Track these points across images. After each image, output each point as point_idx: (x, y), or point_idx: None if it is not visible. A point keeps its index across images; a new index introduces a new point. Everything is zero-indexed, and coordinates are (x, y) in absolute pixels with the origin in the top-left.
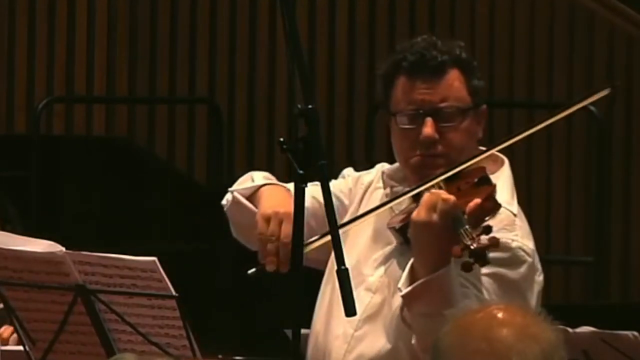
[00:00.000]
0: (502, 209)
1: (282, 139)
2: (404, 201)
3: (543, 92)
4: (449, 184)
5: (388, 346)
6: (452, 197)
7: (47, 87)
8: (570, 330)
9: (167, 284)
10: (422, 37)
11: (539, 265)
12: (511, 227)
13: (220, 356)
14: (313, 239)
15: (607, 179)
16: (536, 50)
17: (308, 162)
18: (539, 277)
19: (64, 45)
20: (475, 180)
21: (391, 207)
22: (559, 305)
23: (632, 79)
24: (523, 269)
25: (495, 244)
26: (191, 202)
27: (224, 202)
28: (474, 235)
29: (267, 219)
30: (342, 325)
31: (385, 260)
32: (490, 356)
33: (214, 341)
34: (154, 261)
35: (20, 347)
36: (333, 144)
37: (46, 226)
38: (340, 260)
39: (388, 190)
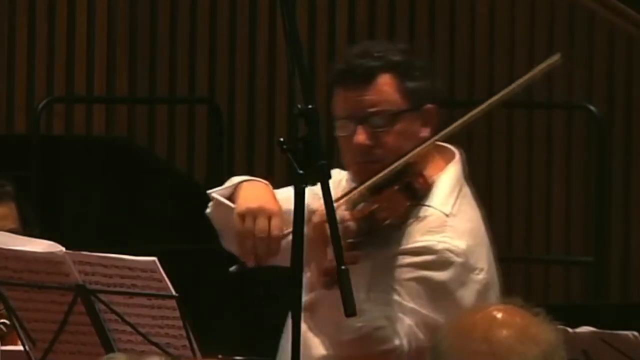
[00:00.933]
0: (432, 210)
1: (282, 139)
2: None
3: (543, 92)
4: (376, 189)
5: (329, 348)
6: (324, 217)
7: (47, 87)
8: (570, 330)
9: (167, 284)
10: (362, 43)
11: (479, 264)
12: (439, 229)
13: (220, 356)
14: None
15: (607, 179)
16: (536, 50)
17: (308, 162)
18: (479, 276)
19: (64, 45)
20: (397, 187)
21: None
22: (559, 305)
23: (632, 79)
24: (451, 270)
25: (351, 262)
26: (191, 202)
27: (207, 210)
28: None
29: (242, 216)
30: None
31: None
32: (490, 357)
33: (214, 341)
34: (154, 261)
35: (20, 347)
36: (333, 144)
37: (46, 226)
38: (340, 260)
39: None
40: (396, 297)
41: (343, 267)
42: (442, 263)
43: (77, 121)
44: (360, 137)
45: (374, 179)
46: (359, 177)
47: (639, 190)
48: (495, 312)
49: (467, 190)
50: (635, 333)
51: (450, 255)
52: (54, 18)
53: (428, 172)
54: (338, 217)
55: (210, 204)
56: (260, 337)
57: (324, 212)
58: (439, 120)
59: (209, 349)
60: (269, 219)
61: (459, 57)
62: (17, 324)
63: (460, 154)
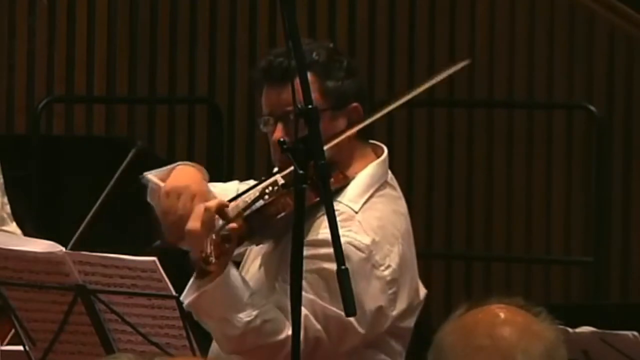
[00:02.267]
0: (341, 206)
1: (282, 139)
2: None
3: (543, 92)
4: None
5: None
6: (213, 206)
7: (47, 87)
8: (570, 330)
9: (167, 284)
10: (288, 42)
11: (386, 261)
12: (345, 224)
13: None
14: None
15: (607, 179)
16: (536, 50)
17: (308, 162)
18: (384, 272)
19: (64, 45)
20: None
21: None
22: (559, 305)
23: (632, 79)
24: (351, 264)
25: (221, 254)
26: None
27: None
28: (213, 244)
29: (167, 193)
30: None
31: (259, 252)
32: (494, 353)
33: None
34: (154, 261)
35: (20, 347)
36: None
37: (46, 226)
38: (340, 260)
39: None
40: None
41: (343, 267)
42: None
43: (77, 121)
44: (278, 133)
45: (283, 173)
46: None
47: (639, 190)
48: (497, 311)
49: (389, 191)
50: (635, 333)
51: (352, 249)
52: (54, 18)
53: (353, 168)
54: (215, 202)
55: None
56: None
57: (212, 205)
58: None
59: (209, 349)
60: (193, 198)
61: (459, 57)
62: (17, 324)
63: (385, 153)
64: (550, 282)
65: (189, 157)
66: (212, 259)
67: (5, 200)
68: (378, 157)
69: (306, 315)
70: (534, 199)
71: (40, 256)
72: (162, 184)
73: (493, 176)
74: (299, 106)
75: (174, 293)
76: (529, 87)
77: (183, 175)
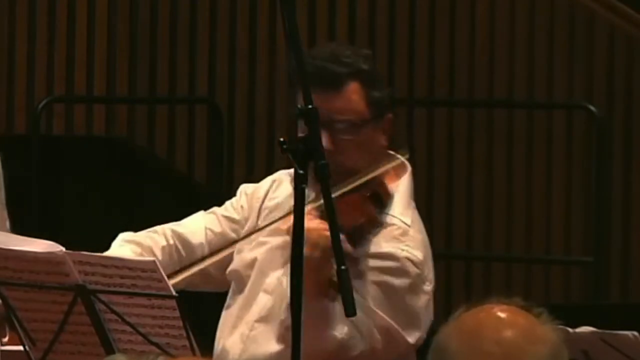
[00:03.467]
0: (395, 220)
1: (282, 139)
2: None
3: (543, 92)
4: (342, 197)
5: (278, 348)
6: (327, 234)
7: (47, 87)
8: (570, 330)
9: (167, 284)
10: (331, 46)
11: (430, 275)
12: (402, 238)
13: None
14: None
15: (607, 178)
16: (536, 50)
17: (308, 162)
18: (428, 287)
19: (64, 45)
20: (368, 194)
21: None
22: (559, 305)
23: (632, 79)
24: (409, 279)
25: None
26: (191, 202)
27: None
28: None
29: None
30: (242, 326)
31: (285, 262)
32: (503, 359)
33: (213, 341)
34: (154, 261)
35: (20, 347)
36: None
37: (46, 226)
38: (340, 260)
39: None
40: (359, 298)
41: (343, 267)
42: (401, 271)
43: (77, 121)
44: (324, 142)
45: (350, 187)
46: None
47: (639, 190)
48: (500, 313)
49: (413, 202)
50: (635, 333)
51: (410, 264)
52: (54, 18)
53: (387, 179)
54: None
55: None
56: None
57: (324, 228)
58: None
59: (209, 349)
60: None
61: (459, 57)
62: (17, 324)
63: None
64: (550, 282)
65: (189, 157)
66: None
67: (5, 214)
68: (397, 170)
69: (370, 328)
70: (534, 199)
71: (40, 256)
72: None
73: (493, 176)
74: (299, 106)
75: (174, 293)
76: (529, 87)
77: None
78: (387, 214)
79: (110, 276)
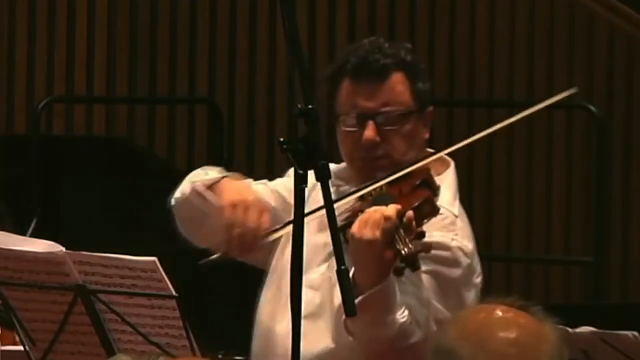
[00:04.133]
0: (443, 210)
1: (282, 139)
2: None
3: (543, 92)
4: (392, 185)
5: (329, 344)
6: (393, 215)
7: (47, 87)
8: (570, 330)
9: (167, 284)
10: (369, 40)
11: (478, 268)
12: (452, 227)
13: (220, 356)
14: (277, 226)
15: (607, 178)
16: (536, 50)
17: (308, 162)
18: (477, 279)
19: (64, 45)
20: (418, 182)
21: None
22: (559, 305)
23: (632, 79)
24: (461, 269)
25: (427, 249)
26: None
27: (177, 195)
28: (407, 241)
29: (234, 206)
30: (287, 320)
31: (328, 257)
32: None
33: (214, 341)
34: (154, 261)
35: (20, 347)
36: (333, 144)
37: (46, 226)
38: (340, 260)
39: (334, 189)
40: (413, 289)
41: (343, 267)
42: (453, 261)
43: (77, 121)
44: (370, 132)
45: (399, 174)
46: (363, 173)
47: (639, 190)
48: (501, 313)
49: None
50: (635, 333)
51: (461, 254)
52: (54, 18)
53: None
54: (394, 209)
55: (185, 190)
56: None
57: (392, 214)
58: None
59: (209, 349)
60: (261, 212)
61: (459, 57)
62: (17, 324)
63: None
64: (550, 282)
65: (189, 157)
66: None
67: None
68: (439, 163)
69: (427, 317)
70: (534, 199)
71: (40, 256)
72: (212, 197)
73: (493, 176)
74: (299, 106)
75: (174, 293)
76: (529, 87)
77: (243, 188)
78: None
79: (110, 276)
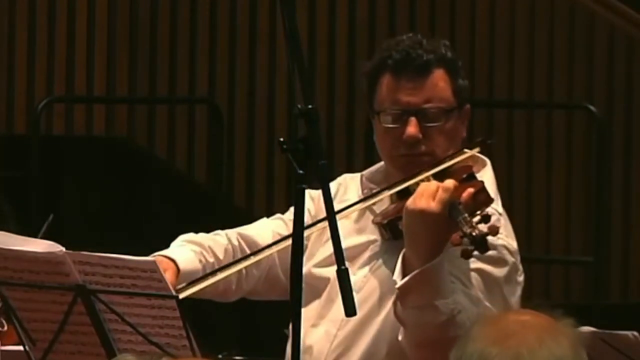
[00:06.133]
0: (489, 209)
1: (282, 139)
2: (385, 201)
3: (543, 92)
4: (436, 180)
5: (371, 347)
6: (451, 185)
7: (47, 87)
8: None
9: (167, 284)
10: (408, 36)
11: (520, 266)
12: (498, 224)
13: (220, 356)
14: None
15: (607, 178)
16: (536, 50)
17: (308, 162)
18: (520, 278)
19: (64, 45)
20: (464, 176)
21: (371, 207)
22: (559, 305)
23: (632, 79)
24: (507, 268)
25: (494, 231)
26: (191, 202)
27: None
28: (473, 223)
29: None
30: (326, 323)
31: (370, 259)
32: None
33: (214, 341)
34: (154, 261)
35: (20, 347)
36: (333, 144)
37: (46, 226)
38: (340, 260)
39: (366, 192)
40: (461, 286)
41: (343, 267)
42: (499, 259)
43: (77, 121)
44: (413, 129)
45: (441, 167)
46: (403, 170)
47: (639, 190)
48: (537, 318)
49: None
50: (635, 333)
51: (507, 252)
52: (54, 18)
53: None
54: (451, 182)
55: None
56: (260, 337)
57: (449, 184)
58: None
59: (209, 349)
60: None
61: (459, 57)
62: (17, 324)
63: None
64: (550, 282)
65: (189, 157)
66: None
67: None
68: (474, 163)
69: (477, 314)
70: (534, 199)
71: (40, 256)
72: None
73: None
74: (299, 106)
75: (174, 293)
76: (529, 87)
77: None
78: None
79: (110, 276)
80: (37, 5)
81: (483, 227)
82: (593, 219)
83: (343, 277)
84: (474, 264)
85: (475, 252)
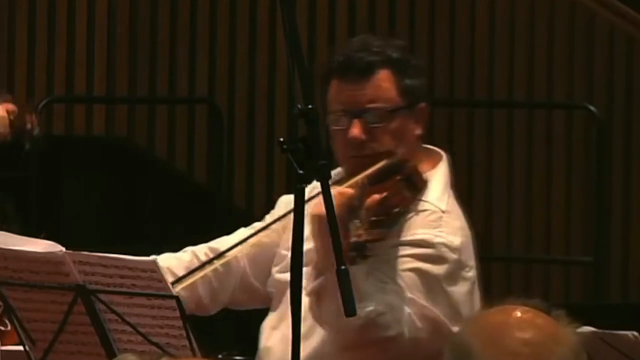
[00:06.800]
0: (429, 205)
1: (282, 139)
2: None
3: (543, 92)
4: (371, 181)
5: (318, 350)
6: (348, 191)
7: (47, 87)
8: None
9: (167, 284)
10: (360, 37)
11: (470, 262)
12: (436, 224)
13: (220, 356)
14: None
15: (607, 179)
16: (536, 50)
17: (308, 162)
18: (468, 273)
19: (64, 45)
20: (399, 178)
21: None
22: (559, 305)
23: (632, 79)
24: (446, 265)
25: (377, 239)
26: (191, 202)
27: None
28: (361, 229)
29: None
30: (283, 326)
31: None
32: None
33: (214, 341)
34: (154, 261)
35: (20, 347)
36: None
37: (46, 226)
38: (340, 260)
39: None
40: (395, 287)
41: (343, 267)
42: (438, 257)
43: (77, 121)
44: (356, 130)
45: (372, 169)
46: (353, 171)
47: (639, 190)
48: (520, 313)
49: (452, 191)
50: (635, 333)
51: (446, 250)
52: (54, 18)
53: (422, 168)
54: (357, 194)
55: None
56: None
57: (346, 190)
58: (429, 119)
59: (209, 349)
60: None
61: (459, 57)
62: (17, 324)
63: (447, 156)
64: (550, 282)
65: (189, 157)
66: (367, 246)
67: None
68: (433, 158)
69: (409, 315)
70: (534, 199)
71: (40, 256)
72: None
73: (493, 176)
74: (299, 106)
75: (174, 293)
76: (529, 87)
77: None
78: (421, 200)
79: (110, 276)
80: (37, 5)
81: (370, 234)
82: (593, 219)
83: (342, 277)
84: (411, 263)
85: (358, 258)
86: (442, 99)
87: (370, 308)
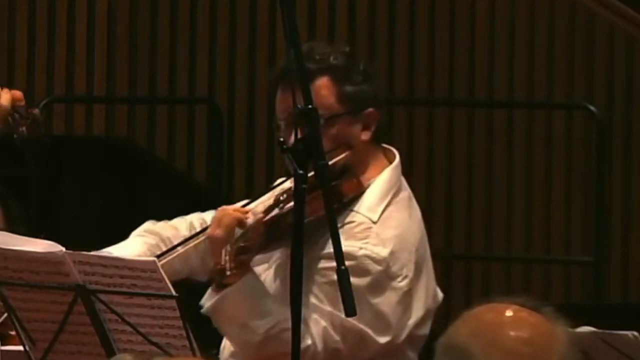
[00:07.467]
0: (359, 216)
1: (282, 139)
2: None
3: (543, 92)
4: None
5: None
6: (236, 213)
7: (47, 87)
8: (570, 330)
9: (167, 284)
10: (307, 44)
11: (402, 271)
12: (362, 235)
13: (214, 351)
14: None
15: (607, 178)
16: (536, 50)
17: (308, 162)
18: (400, 283)
19: (64, 45)
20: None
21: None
22: (559, 305)
23: (632, 79)
24: (369, 277)
25: (238, 266)
26: (191, 202)
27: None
28: (229, 255)
29: None
30: None
31: (274, 262)
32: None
33: (214, 341)
34: (154, 261)
35: (20, 347)
36: None
37: (46, 226)
38: (340, 260)
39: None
40: (314, 300)
41: (343, 268)
42: (360, 270)
43: (77, 121)
44: (293, 138)
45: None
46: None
47: (639, 190)
48: (514, 312)
49: (403, 194)
50: (635, 333)
51: (369, 262)
52: (54, 18)
53: (368, 174)
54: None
55: None
56: None
57: (236, 212)
58: (379, 123)
59: (209, 349)
60: None
61: (459, 57)
62: (17, 324)
63: (399, 156)
64: (550, 282)
65: (189, 157)
66: (229, 272)
67: None
68: (390, 161)
69: (325, 327)
70: (534, 199)
71: (40, 256)
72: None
73: (493, 176)
74: (299, 106)
75: (174, 293)
76: (529, 87)
77: None
78: (352, 210)
79: (110, 276)
80: (37, 5)
81: (232, 260)
82: (593, 219)
83: (342, 277)
84: (332, 277)
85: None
86: (441, 98)
87: (270, 325)
